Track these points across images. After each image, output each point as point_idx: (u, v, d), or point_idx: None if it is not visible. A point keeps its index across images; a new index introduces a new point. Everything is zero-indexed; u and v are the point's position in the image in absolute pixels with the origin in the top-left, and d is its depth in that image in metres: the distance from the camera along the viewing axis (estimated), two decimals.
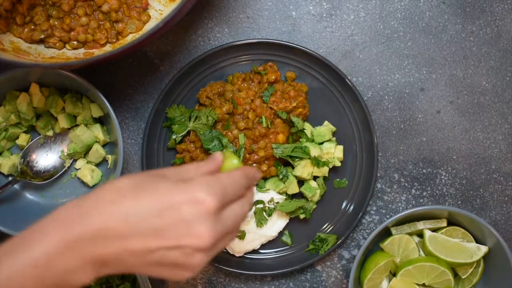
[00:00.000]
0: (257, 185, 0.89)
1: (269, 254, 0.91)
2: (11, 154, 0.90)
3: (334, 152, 0.89)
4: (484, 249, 0.85)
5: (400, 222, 0.88)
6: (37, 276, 0.51)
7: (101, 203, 0.53)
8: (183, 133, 0.89)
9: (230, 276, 0.93)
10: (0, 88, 0.87)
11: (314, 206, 0.91)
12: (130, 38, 0.87)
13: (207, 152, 0.88)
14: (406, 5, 0.93)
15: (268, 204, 0.88)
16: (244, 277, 0.93)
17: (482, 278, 0.88)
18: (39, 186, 0.91)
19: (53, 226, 0.53)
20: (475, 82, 0.94)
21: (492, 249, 0.86)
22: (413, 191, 0.93)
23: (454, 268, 0.87)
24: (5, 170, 0.89)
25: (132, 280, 0.87)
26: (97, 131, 0.89)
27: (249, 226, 0.88)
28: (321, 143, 0.90)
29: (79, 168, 0.91)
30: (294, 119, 0.88)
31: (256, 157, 0.87)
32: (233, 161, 0.64)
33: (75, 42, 0.87)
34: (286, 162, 0.90)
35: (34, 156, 0.89)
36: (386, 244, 0.87)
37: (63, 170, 0.91)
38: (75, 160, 0.92)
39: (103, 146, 0.91)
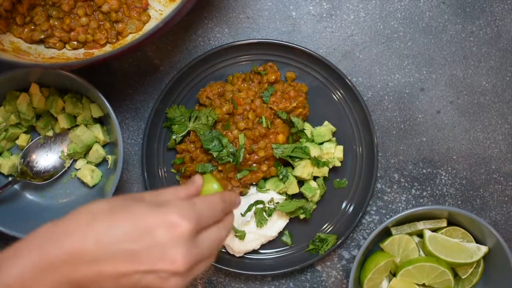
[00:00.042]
0: (257, 185, 0.89)
1: (269, 254, 0.91)
2: (11, 155, 0.90)
3: (334, 152, 0.89)
4: (484, 249, 0.85)
5: (400, 222, 0.88)
6: None
7: (75, 226, 0.53)
8: (183, 133, 0.89)
9: (230, 276, 0.93)
10: (0, 88, 0.87)
11: (314, 206, 0.91)
12: (130, 38, 0.87)
13: (207, 152, 0.87)
14: (406, 5, 0.93)
15: (268, 204, 0.88)
16: (244, 277, 0.93)
17: (482, 278, 0.88)
18: (39, 186, 0.91)
19: (27, 250, 0.52)
20: (475, 82, 0.93)
21: (492, 249, 0.86)
22: (413, 191, 0.93)
23: (454, 268, 0.87)
24: (5, 171, 0.89)
25: None
26: (97, 131, 0.89)
27: (249, 226, 0.88)
28: (321, 143, 0.90)
29: (79, 168, 0.91)
30: (294, 119, 0.88)
31: (256, 157, 0.87)
32: (213, 185, 0.64)
33: (75, 42, 0.87)
34: (286, 162, 0.90)
35: (34, 156, 0.89)
36: (386, 244, 0.87)
37: (63, 170, 0.91)
38: (75, 160, 0.91)
39: (103, 146, 0.91)
